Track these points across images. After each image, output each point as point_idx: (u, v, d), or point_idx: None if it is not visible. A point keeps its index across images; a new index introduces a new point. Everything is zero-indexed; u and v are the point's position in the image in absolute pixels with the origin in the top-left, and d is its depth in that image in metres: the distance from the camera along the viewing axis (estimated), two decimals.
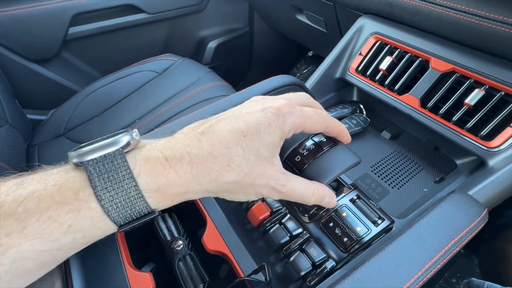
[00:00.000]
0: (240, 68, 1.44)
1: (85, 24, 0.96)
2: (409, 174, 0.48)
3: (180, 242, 0.38)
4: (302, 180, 0.28)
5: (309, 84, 0.57)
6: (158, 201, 0.23)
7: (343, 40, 0.58)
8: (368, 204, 0.37)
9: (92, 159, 0.21)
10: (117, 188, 0.21)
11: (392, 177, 0.47)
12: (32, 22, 0.88)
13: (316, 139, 0.38)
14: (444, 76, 0.46)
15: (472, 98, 0.42)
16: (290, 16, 0.97)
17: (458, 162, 0.48)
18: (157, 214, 0.24)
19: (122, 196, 0.21)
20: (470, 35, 0.44)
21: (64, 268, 0.31)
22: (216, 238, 0.37)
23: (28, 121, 0.89)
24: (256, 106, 0.27)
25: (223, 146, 0.24)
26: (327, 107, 0.58)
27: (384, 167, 0.49)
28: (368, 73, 0.55)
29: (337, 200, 0.37)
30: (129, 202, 0.21)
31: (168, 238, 0.39)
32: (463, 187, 0.38)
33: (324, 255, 0.34)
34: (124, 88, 0.92)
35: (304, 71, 1.57)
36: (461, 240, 0.27)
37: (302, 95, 0.32)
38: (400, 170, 0.48)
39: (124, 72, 0.96)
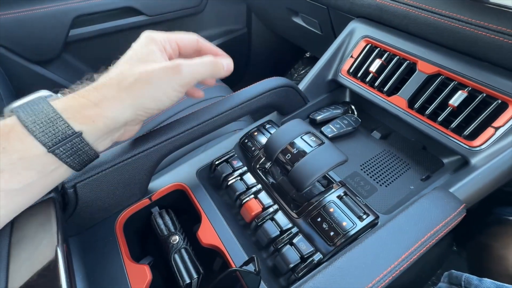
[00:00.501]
0: (238, 69, 1.44)
1: (85, 26, 0.97)
2: (397, 173, 0.50)
3: (176, 236, 0.40)
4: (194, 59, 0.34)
5: (302, 85, 0.59)
6: (80, 122, 0.27)
7: (335, 43, 0.60)
8: (354, 201, 0.38)
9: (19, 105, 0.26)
10: (38, 113, 0.25)
11: (380, 175, 0.49)
12: (34, 24, 0.90)
13: (306, 138, 0.40)
14: (430, 78, 0.48)
15: (456, 99, 0.44)
16: (286, 18, 0.98)
17: (445, 160, 0.50)
18: (96, 153, 0.29)
19: (43, 118, 0.25)
20: (455, 39, 0.45)
21: (67, 262, 0.32)
22: (210, 232, 0.39)
23: None
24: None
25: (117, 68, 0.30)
26: (320, 107, 0.60)
27: (373, 166, 0.51)
28: (359, 75, 0.56)
29: (326, 197, 0.39)
30: (50, 122, 0.25)
31: (165, 233, 0.41)
32: (446, 185, 0.40)
33: (312, 249, 0.35)
34: None
35: (302, 72, 1.59)
36: (437, 232, 0.29)
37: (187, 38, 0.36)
38: (388, 169, 0.50)
39: None
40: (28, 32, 0.89)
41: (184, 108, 0.83)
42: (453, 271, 0.34)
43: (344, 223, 0.36)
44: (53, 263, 0.30)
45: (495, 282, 0.32)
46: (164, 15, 1.09)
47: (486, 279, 0.33)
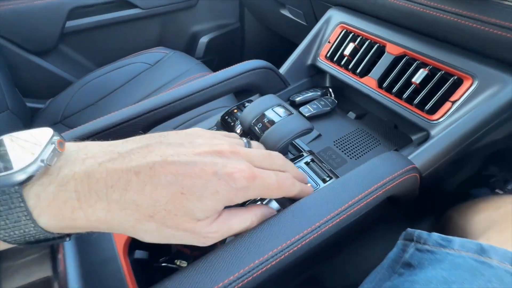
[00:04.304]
0: (232, 63, 1.48)
1: (81, 18, 1.01)
2: (367, 148, 0.53)
3: None
4: (236, 214, 0.27)
5: (282, 69, 0.63)
6: (64, 233, 0.22)
7: (313, 29, 0.64)
8: (320, 166, 0.42)
9: None
10: (13, 227, 0.19)
11: (352, 150, 0.53)
12: (31, 15, 0.94)
13: (277, 109, 0.43)
14: (397, 59, 0.52)
15: (418, 77, 0.48)
16: (276, 11, 1.02)
17: (413, 137, 0.54)
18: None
19: (20, 232, 0.20)
20: (417, 22, 0.49)
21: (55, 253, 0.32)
22: None
23: (27, 109, 0.95)
24: (211, 162, 0.24)
25: (153, 198, 0.21)
26: (300, 91, 0.64)
27: (346, 142, 0.54)
28: (335, 59, 0.60)
29: (294, 163, 0.43)
30: (29, 236, 0.20)
31: None
32: (407, 154, 0.44)
33: (279, 207, 0.39)
34: (118, 79, 0.98)
35: None
36: (384, 185, 0.32)
37: (275, 155, 0.29)
38: (360, 144, 0.54)
39: (118, 64, 1.02)
40: (26, 23, 0.93)
41: None
42: (408, 229, 0.38)
43: (308, 185, 0.39)
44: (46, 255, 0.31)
45: (442, 235, 0.35)
46: (157, 9, 1.13)
47: (434, 233, 0.36)
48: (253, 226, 0.28)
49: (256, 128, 0.42)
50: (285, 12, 0.97)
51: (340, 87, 0.65)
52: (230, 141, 0.28)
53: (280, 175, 0.27)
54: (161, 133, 0.26)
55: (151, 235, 0.22)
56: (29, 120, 0.94)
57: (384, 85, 0.52)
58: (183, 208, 0.22)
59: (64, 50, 1.04)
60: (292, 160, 0.43)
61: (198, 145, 0.25)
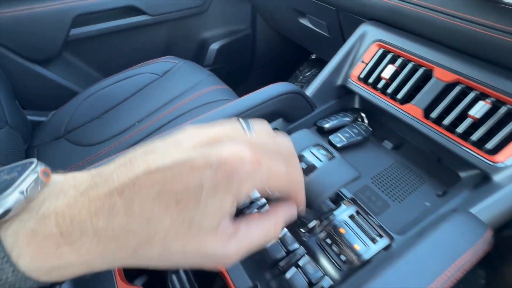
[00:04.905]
0: (242, 70, 1.43)
1: (86, 25, 0.95)
2: (411, 187, 0.46)
3: None
4: (256, 225, 0.22)
5: (309, 91, 0.56)
6: (52, 279, 0.18)
7: (345, 46, 0.57)
8: (367, 220, 0.35)
9: None
10: None
11: (393, 189, 0.46)
12: (33, 23, 0.88)
13: (315, 151, 0.37)
14: (448, 87, 0.45)
15: (477, 110, 0.41)
16: (293, 20, 0.95)
17: (462, 174, 0.47)
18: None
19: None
20: (472, 44, 0.42)
21: None
22: None
23: (28, 122, 0.89)
24: (201, 154, 0.19)
25: (144, 216, 0.18)
26: (328, 114, 0.57)
27: (385, 179, 0.48)
28: (370, 81, 0.53)
29: (337, 216, 0.36)
30: (8, 286, 0.17)
31: None
32: (466, 204, 0.37)
33: (321, 273, 0.33)
34: (125, 90, 0.92)
35: (307, 74, 1.56)
36: (463, 266, 0.26)
37: (284, 144, 0.23)
38: (401, 182, 0.47)
39: (126, 74, 0.96)
40: (27, 30, 0.87)
41: (185, 111, 0.80)
42: None
43: (356, 246, 0.33)
44: None
45: None
46: (166, 15, 1.07)
47: None
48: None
49: None
50: (304, 22, 0.90)
51: (372, 111, 0.58)
52: (223, 124, 0.22)
53: (289, 165, 0.22)
54: (148, 144, 0.21)
55: (157, 262, 0.19)
56: (29, 134, 0.88)
57: (432, 115, 0.45)
58: (184, 220, 0.18)
59: (68, 59, 0.98)
60: (332, 211, 0.37)
61: (183, 139, 0.20)
